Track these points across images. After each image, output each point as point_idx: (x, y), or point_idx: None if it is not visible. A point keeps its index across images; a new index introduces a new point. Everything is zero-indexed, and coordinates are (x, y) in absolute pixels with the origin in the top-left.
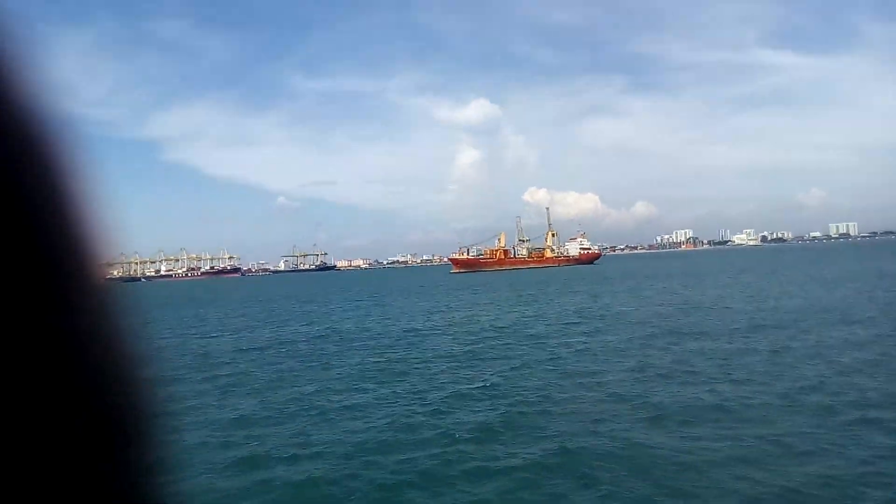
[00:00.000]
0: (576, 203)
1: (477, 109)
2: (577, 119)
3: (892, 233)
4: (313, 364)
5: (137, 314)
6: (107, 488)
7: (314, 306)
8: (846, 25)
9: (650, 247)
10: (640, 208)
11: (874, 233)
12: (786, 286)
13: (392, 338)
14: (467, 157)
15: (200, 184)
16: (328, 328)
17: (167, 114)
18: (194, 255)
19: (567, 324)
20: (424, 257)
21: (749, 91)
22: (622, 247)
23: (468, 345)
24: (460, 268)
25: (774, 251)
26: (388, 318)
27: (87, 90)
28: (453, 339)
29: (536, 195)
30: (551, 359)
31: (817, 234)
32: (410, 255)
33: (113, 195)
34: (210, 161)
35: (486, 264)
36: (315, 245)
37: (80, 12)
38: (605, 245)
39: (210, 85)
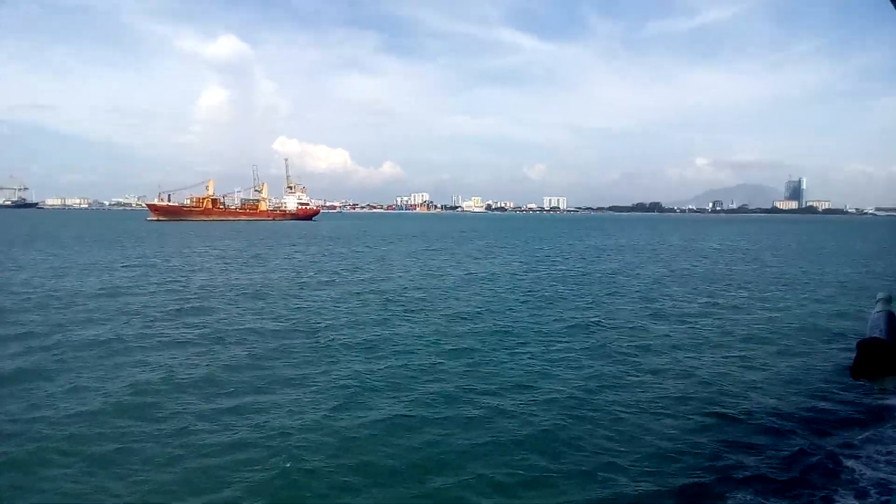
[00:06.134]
0: (326, 157)
1: (226, 46)
2: (331, 72)
3: (590, 208)
4: None
5: None
6: None
7: None
8: (576, 17)
9: (388, 207)
10: (388, 168)
11: (578, 208)
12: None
13: None
14: (214, 96)
15: None
16: None
17: None
18: None
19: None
20: (155, 200)
21: (491, 66)
22: (363, 205)
23: None
24: (159, 215)
25: (488, 219)
26: None
27: None
28: None
29: (287, 145)
30: None
31: (533, 205)
32: (136, 197)
33: None
34: None
35: (190, 213)
36: (11, 176)
37: None
38: (348, 202)
39: None
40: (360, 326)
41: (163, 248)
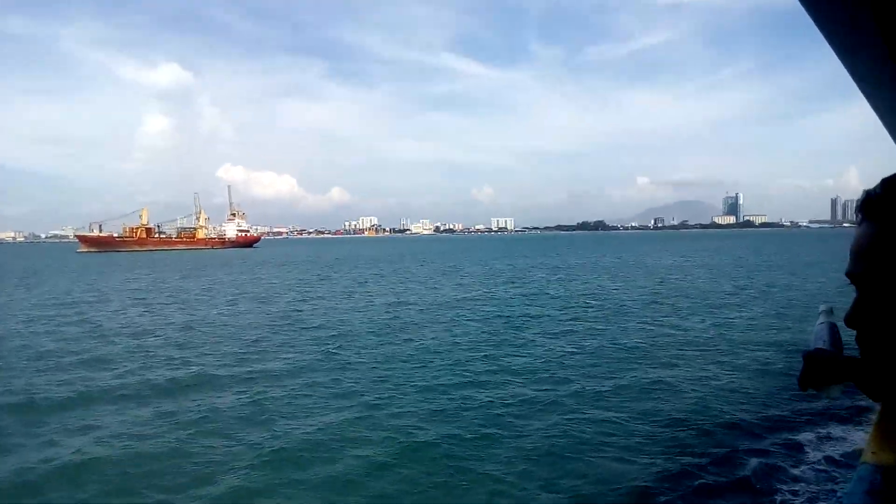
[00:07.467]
0: (272, 184)
1: (168, 74)
2: (277, 98)
3: (537, 228)
4: None
5: None
6: None
7: None
8: (517, 43)
9: (336, 232)
10: (336, 194)
11: (525, 228)
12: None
13: None
14: (157, 124)
15: None
16: None
17: None
18: None
19: None
20: (94, 231)
21: (438, 91)
22: (311, 230)
23: None
24: (90, 246)
25: (435, 241)
26: None
27: None
28: None
29: (231, 172)
30: None
31: (481, 227)
32: (74, 228)
33: None
34: None
35: (123, 244)
36: None
37: None
38: (294, 228)
39: None
40: (295, 370)
41: (76, 283)
